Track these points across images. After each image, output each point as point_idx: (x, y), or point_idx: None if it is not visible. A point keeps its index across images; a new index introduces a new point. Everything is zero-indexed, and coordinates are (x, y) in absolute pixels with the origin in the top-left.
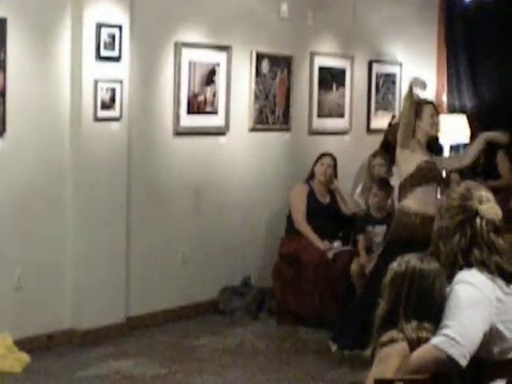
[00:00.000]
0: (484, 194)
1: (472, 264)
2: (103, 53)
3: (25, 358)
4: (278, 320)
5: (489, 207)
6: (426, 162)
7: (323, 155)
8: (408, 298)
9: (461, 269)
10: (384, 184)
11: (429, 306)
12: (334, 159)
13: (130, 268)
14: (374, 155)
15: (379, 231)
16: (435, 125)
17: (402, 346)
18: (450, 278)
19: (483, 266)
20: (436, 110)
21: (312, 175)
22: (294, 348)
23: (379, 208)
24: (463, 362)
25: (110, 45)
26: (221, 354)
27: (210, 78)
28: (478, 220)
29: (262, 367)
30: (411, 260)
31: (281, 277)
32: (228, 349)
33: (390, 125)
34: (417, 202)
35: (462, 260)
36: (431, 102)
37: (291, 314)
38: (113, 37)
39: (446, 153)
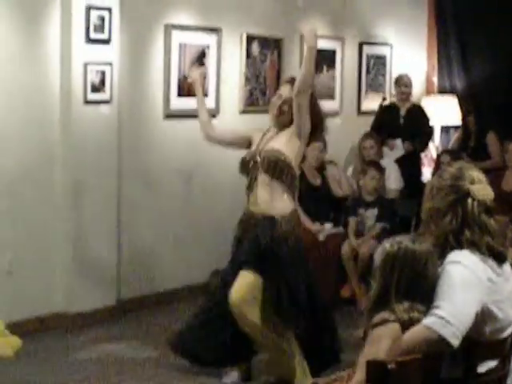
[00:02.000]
0: (476, 174)
1: (463, 245)
2: (93, 35)
3: (16, 341)
4: None
5: (480, 188)
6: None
7: (314, 139)
8: (400, 278)
9: (452, 249)
10: (376, 166)
11: (421, 287)
12: (325, 142)
13: (121, 251)
14: (365, 137)
15: (370, 214)
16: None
17: (394, 326)
18: (441, 258)
19: (474, 246)
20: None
21: (302, 157)
22: None
23: (372, 190)
24: (455, 342)
25: (100, 27)
26: None
27: (200, 60)
28: (469, 201)
29: None
30: (403, 241)
31: None
32: None
33: (380, 106)
34: None
35: (454, 241)
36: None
37: None
38: (102, 19)
39: (437, 134)
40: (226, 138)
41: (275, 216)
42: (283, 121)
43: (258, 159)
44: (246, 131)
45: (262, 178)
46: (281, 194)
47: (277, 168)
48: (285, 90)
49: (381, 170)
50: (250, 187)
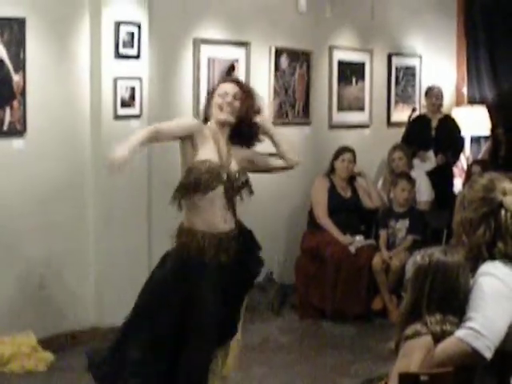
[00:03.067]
0: (507, 185)
1: (496, 256)
2: (122, 51)
3: (49, 356)
4: (301, 315)
5: None
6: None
7: (343, 150)
8: (432, 291)
9: (484, 261)
10: (407, 177)
11: (453, 299)
12: (354, 154)
13: (152, 265)
14: (394, 148)
15: (401, 226)
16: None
17: (426, 339)
18: (474, 270)
19: (507, 258)
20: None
21: (332, 169)
22: (317, 342)
23: (403, 202)
24: (488, 355)
25: (129, 43)
26: (244, 350)
27: (229, 74)
28: (502, 212)
29: (285, 362)
30: (435, 253)
31: (303, 272)
32: (251, 344)
33: (410, 118)
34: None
35: (486, 252)
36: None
37: (314, 309)
38: (131, 34)
39: (467, 145)
40: (175, 134)
41: (243, 231)
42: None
43: (233, 177)
44: (189, 125)
45: (228, 196)
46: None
47: (243, 188)
48: (228, 88)
49: (411, 181)
50: (217, 204)
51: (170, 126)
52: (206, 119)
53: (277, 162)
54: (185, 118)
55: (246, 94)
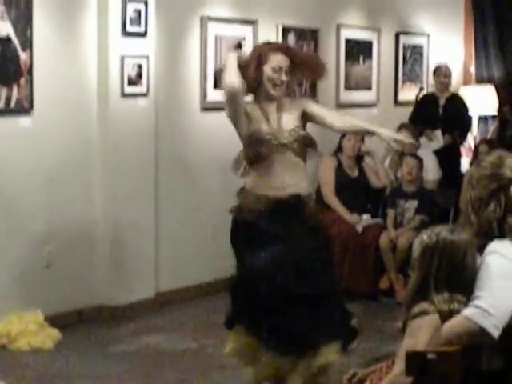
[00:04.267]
0: None
1: (505, 233)
2: (129, 28)
3: (56, 334)
4: None
5: None
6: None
7: None
8: (439, 269)
9: (493, 239)
10: (413, 156)
11: (460, 278)
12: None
13: (159, 243)
14: (401, 127)
15: (410, 206)
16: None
17: (434, 317)
18: (482, 248)
19: None
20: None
21: (340, 148)
22: None
23: (411, 180)
24: (495, 334)
25: (136, 20)
26: None
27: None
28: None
29: None
30: (441, 232)
31: None
32: None
33: (417, 97)
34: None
35: (497, 229)
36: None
37: None
38: (139, 12)
39: (475, 124)
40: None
41: (304, 197)
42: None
43: (285, 140)
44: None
45: (288, 160)
46: (305, 173)
47: (303, 148)
48: (281, 61)
49: (418, 159)
50: (268, 171)
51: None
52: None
53: (337, 125)
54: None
55: (299, 65)
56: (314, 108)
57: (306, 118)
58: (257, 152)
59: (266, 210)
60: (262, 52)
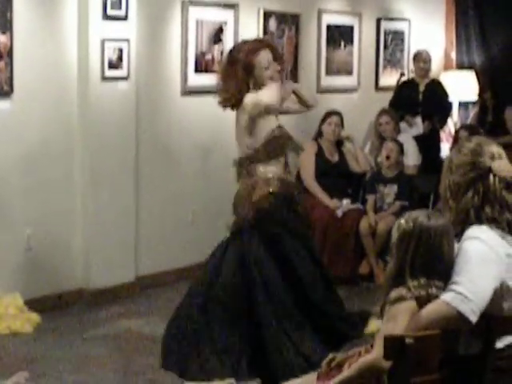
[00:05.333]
0: (495, 149)
1: (483, 221)
2: (110, 12)
3: (35, 317)
4: None
5: (501, 164)
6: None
7: (330, 114)
8: (416, 255)
9: (471, 225)
10: (392, 140)
11: (437, 263)
12: (341, 117)
13: (139, 227)
14: (381, 113)
15: (390, 191)
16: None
17: (411, 303)
18: (460, 234)
19: (494, 223)
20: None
21: (320, 133)
22: None
23: (389, 165)
24: (473, 318)
25: (117, 4)
26: None
27: (217, 36)
28: (491, 177)
29: None
30: (419, 217)
31: None
32: None
33: (398, 82)
34: None
35: (474, 217)
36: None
37: None
38: None
39: (455, 110)
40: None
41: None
42: None
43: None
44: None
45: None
46: None
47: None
48: (266, 56)
49: (397, 143)
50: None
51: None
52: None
53: (295, 106)
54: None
55: (278, 54)
56: None
57: None
58: (281, 146)
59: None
60: (245, 62)
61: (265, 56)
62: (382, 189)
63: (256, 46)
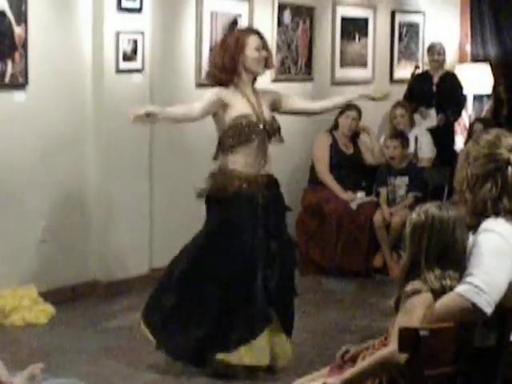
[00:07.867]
0: None
1: (500, 213)
2: (124, 4)
3: (50, 309)
4: (302, 271)
5: None
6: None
7: (348, 107)
8: (429, 246)
9: (487, 218)
10: (401, 136)
11: (451, 253)
12: (359, 111)
13: (153, 219)
14: (396, 106)
15: (401, 183)
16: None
17: (427, 296)
18: (476, 227)
19: (511, 215)
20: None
21: (336, 125)
22: (318, 299)
23: (398, 159)
24: (488, 310)
25: None
26: None
27: (231, 28)
28: (509, 169)
29: None
30: (429, 209)
31: (304, 228)
32: None
33: (413, 75)
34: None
35: (491, 208)
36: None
37: (314, 265)
38: None
39: (470, 103)
40: (207, 111)
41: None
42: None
43: (266, 124)
44: (212, 95)
45: (264, 141)
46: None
47: (274, 133)
48: (257, 40)
49: (403, 139)
50: (249, 152)
51: (200, 112)
52: (229, 72)
53: (311, 106)
54: (205, 98)
55: (266, 44)
56: (284, 97)
57: (275, 107)
58: (246, 134)
59: (246, 188)
60: (238, 37)
61: (256, 39)
62: (393, 181)
63: (248, 30)
